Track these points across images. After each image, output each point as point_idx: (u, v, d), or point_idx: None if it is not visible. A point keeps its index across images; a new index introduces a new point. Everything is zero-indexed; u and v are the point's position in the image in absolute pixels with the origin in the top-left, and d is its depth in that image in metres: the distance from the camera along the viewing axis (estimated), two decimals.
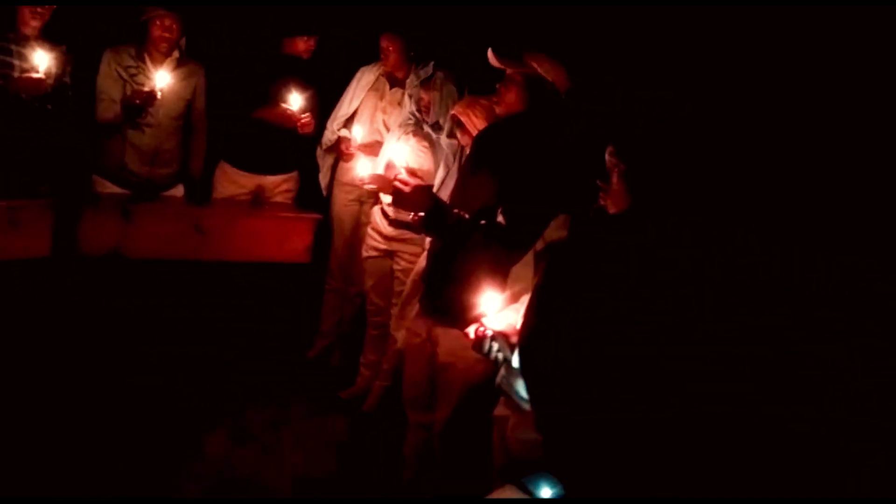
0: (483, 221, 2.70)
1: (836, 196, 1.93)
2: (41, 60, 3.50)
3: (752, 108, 2.43)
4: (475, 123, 3.14)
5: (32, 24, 3.63)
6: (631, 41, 3.28)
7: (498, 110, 2.85)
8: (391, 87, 4.26)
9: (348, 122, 4.32)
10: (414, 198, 2.73)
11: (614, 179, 2.27)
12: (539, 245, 2.50)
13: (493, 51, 2.75)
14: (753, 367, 1.54)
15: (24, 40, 3.63)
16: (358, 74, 4.35)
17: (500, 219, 2.68)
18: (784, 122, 2.24)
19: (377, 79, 4.30)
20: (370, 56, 4.29)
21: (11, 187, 3.68)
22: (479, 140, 2.88)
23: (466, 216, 2.72)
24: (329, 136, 4.34)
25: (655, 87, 2.81)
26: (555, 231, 2.45)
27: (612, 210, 2.13)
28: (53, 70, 3.63)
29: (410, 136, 3.80)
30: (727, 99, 2.50)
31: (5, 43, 3.59)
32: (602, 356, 1.86)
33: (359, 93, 4.32)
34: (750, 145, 2.26)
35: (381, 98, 4.29)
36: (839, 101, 2.11)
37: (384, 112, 4.28)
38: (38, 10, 3.60)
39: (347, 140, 4.21)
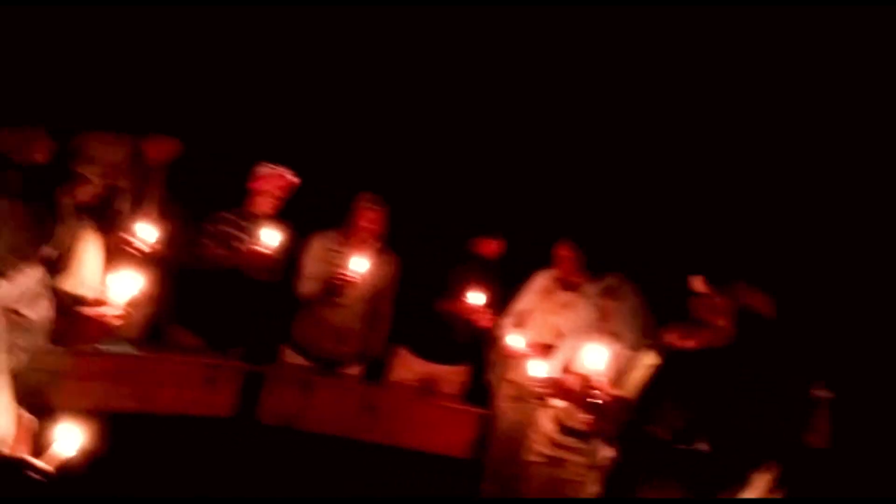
0: (683, 446, 2.59)
1: None
2: (274, 239, 3.87)
3: None
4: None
5: (266, 212, 4.08)
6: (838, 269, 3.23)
7: (707, 340, 2.80)
8: (562, 291, 4.36)
9: (520, 322, 4.42)
10: (610, 409, 2.66)
11: (822, 412, 2.18)
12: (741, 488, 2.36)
13: (706, 279, 2.76)
14: None
15: (253, 218, 4.09)
16: (533, 277, 4.50)
17: (701, 446, 2.55)
18: None
19: (549, 282, 4.43)
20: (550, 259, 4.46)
21: (213, 347, 4.01)
22: (680, 358, 2.84)
23: (663, 438, 2.62)
24: (499, 332, 4.43)
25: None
26: (760, 483, 2.32)
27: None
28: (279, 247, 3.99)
29: (587, 342, 3.80)
30: None
31: (236, 218, 4.06)
32: None
33: (531, 295, 4.45)
34: None
35: (552, 301, 4.38)
36: None
37: (553, 314, 4.35)
38: (277, 203, 4.06)
39: (513, 339, 4.27)
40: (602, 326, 3.81)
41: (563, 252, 4.29)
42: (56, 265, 2.67)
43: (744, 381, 2.59)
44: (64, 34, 4.13)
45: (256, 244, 3.88)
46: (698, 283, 2.78)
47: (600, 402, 2.65)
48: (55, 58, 4.08)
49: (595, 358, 3.04)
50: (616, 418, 2.65)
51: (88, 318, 2.25)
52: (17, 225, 1.79)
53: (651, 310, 3.79)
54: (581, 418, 3.36)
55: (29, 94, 3.70)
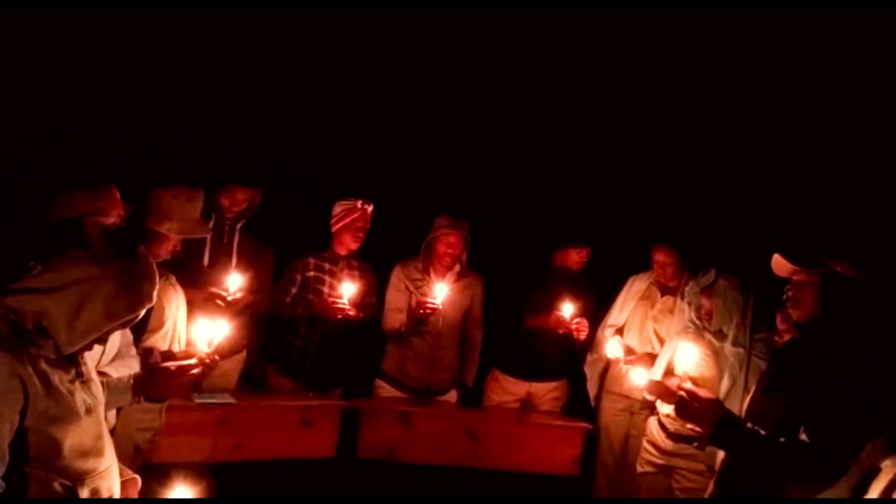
0: (783, 440, 2.41)
1: None
2: (347, 290, 3.85)
3: None
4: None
5: (351, 248, 4.09)
6: None
7: (795, 316, 2.62)
8: (662, 295, 4.21)
9: (619, 330, 4.29)
10: (701, 410, 2.51)
11: None
12: (855, 475, 2.17)
13: (786, 257, 2.58)
14: None
15: (338, 261, 4.10)
16: (628, 283, 4.36)
17: (802, 437, 2.37)
18: None
19: (648, 287, 4.28)
20: (642, 264, 4.31)
21: (311, 388, 4.03)
22: (778, 353, 2.66)
23: (763, 433, 2.44)
24: (599, 342, 4.30)
25: None
26: (871, 457, 2.12)
27: None
28: (359, 288, 3.98)
29: (690, 343, 3.64)
30: None
31: (321, 262, 4.08)
32: None
33: (629, 301, 4.31)
34: None
35: (652, 306, 4.23)
36: None
37: (654, 321, 4.21)
38: (360, 234, 4.05)
39: (614, 348, 4.13)
40: (704, 326, 3.65)
41: (661, 257, 4.15)
42: (142, 323, 2.72)
43: (841, 360, 2.40)
44: (131, 92, 4.27)
45: (337, 293, 3.88)
46: (778, 263, 2.60)
47: (692, 402, 2.48)
48: (125, 116, 4.22)
49: (685, 357, 2.90)
50: (711, 419, 2.48)
51: (176, 372, 2.27)
52: (112, 291, 1.82)
53: (755, 300, 3.60)
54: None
55: (100, 153, 3.86)
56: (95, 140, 4.07)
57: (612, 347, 4.08)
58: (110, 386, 2.19)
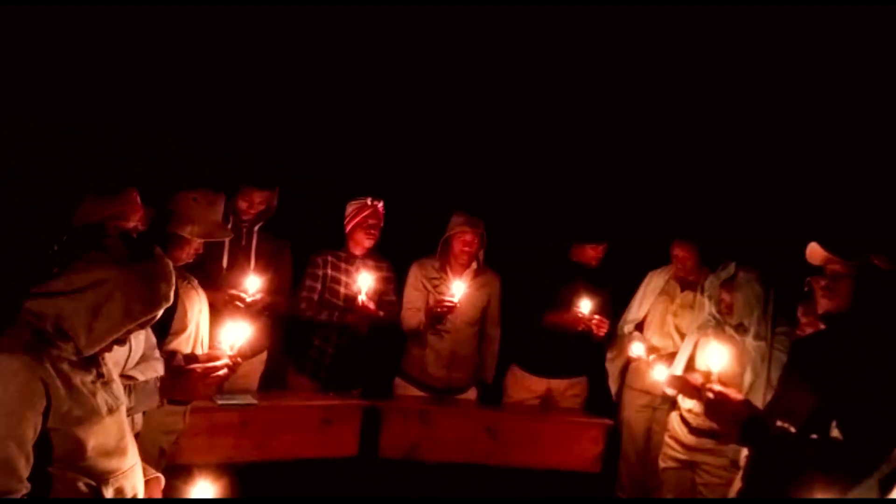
0: (814, 436, 2.37)
1: None
2: (364, 281, 3.88)
3: None
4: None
5: (366, 246, 4.11)
6: None
7: (826, 306, 2.58)
8: (682, 290, 4.19)
9: (640, 326, 4.28)
10: (730, 412, 2.48)
11: None
12: (884, 472, 2.14)
13: (824, 246, 2.53)
14: None
15: (353, 260, 4.12)
16: (647, 278, 4.34)
17: (835, 433, 2.34)
18: None
19: (667, 282, 4.26)
20: (659, 259, 4.29)
21: (331, 388, 4.05)
22: (802, 345, 2.62)
23: (792, 430, 2.41)
24: (620, 339, 4.29)
25: None
26: None
27: None
28: (378, 287, 4.03)
29: (710, 338, 3.61)
30: None
31: (336, 260, 4.10)
32: None
33: (648, 297, 4.29)
34: None
35: (672, 301, 4.21)
36: None
37: (675, 315, 4.18)
38: (373, 231, 4.06)
39: (636, 346, 4.11)
40: (725, 320, 3.62)
41: (681, 252, 4.14)
42: (165, 326, 2.75)
43: (880, 354, 2.35)
44: (131, 92, 4.31)
45: (355, 293, 3.91)
46: (814, 251, 2.55)
47: (720, 401, 2.46)
48: (125, 116, 4.26)
49: (714, 356, 2.86)
50: (736, 418, 2.45)
51: (200, 375, 2.29)
52: (130, 291, 1.84)
53: (776, 293, 3.56)
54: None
55: (100, 153, 3.87)
56: (95, 140, 4.11)
57: (635, 347, 4.06)
58: (137, 389, 2.21)
